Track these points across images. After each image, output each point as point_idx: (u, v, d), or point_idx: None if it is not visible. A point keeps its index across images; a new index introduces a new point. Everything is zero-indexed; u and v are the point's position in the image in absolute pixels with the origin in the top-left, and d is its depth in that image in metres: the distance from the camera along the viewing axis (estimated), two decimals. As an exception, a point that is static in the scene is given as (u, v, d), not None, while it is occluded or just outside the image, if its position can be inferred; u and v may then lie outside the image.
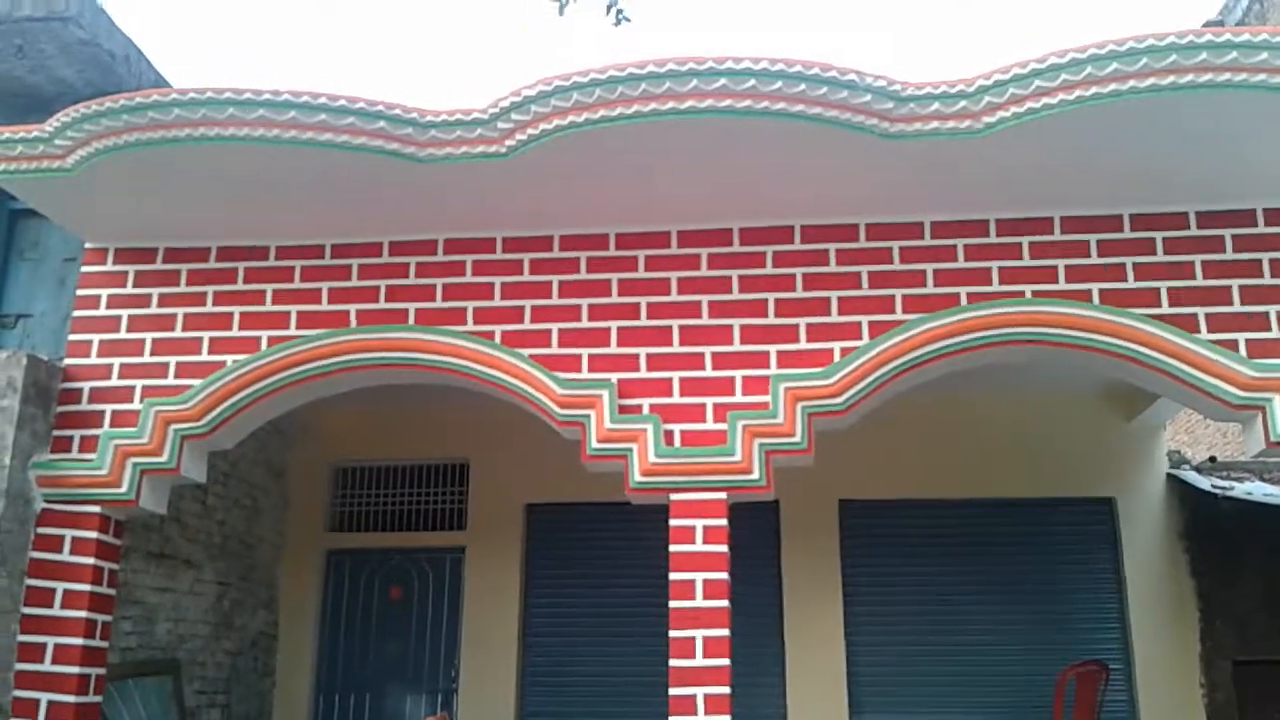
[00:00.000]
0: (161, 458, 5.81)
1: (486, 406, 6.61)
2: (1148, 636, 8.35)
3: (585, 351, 5.84)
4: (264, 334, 6.01)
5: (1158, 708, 8.21)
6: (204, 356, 6.00)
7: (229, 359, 5.96)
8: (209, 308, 6.11)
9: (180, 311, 6.12)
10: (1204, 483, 8.41)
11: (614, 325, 5.88)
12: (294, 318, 6.04)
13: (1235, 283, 5.59)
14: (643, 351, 5.83)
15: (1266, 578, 8.38)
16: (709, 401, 5.70)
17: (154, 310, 6.14)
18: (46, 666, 5.55)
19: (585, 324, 5.90)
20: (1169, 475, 8.77)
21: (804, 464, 5.66)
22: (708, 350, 5.79)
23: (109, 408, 5.95)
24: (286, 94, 5.21)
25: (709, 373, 5.75)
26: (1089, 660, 7.83)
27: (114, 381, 6.00)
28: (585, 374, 5.79)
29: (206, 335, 6.04)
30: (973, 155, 5.22)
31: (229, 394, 5.90)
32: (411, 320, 5.97)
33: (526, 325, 5.91)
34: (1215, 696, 8.21)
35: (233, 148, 5.29)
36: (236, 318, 6.07)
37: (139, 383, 5.98)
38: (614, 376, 5.75)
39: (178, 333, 6.07)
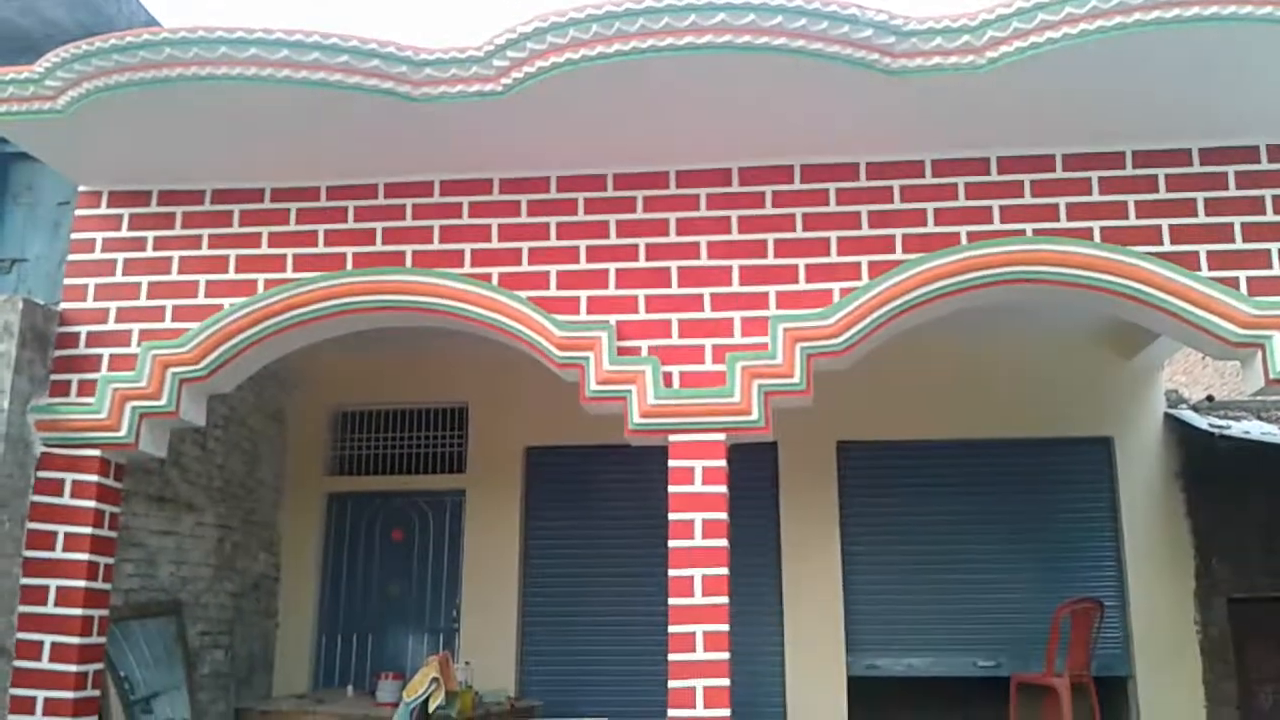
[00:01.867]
0: (160, 401, 5.80)
1: (485, 349, 6.61)
2: (1143, 574, 8.43)
3: (584, 293, 5.81)
4: (260, 277, 5.97)
5: (1152, 645, 8.31)
6: (200, 300, 5.96)
7: (226, 302, 5.93)
8: (205, 250, 6.06)
9: (176, 255, 6.07)
10: (1201, 422, 8.44)
11: (612, 267, 5.84)
12: (290, 260, 6.00)
13: (1237, 220, 5.54)
14: (641, 293, 5.79)
15: (1262, 516, 8.44)
16: (708, 343, 5.68)
17: (149, 253, 6.09)
18: (50, 609, 5.57)
19: (583, 265, 5.85)
20: (1167, 415, 8.80)
21: (803, 405, 5.66)
22: (706, 291, 5.76)
23: (106, 351, 5.92)
24: (279, 32, 5.11)
25: (708, 314, 5.73)
26: (1085, 597, 7.90)
27: (111, 325, 5.97)
28: (584, 316, 5.76)
29: (203, 278, 6.00)
30: (974, 91, 5.15)
31: (226, 337, 5.88)
32: (409, 263, 5.93)
33: (524, 267, 5.87)
34: (1210, 633, 8.31)
35: (226, 87, 5.20)
36: (233, 260, 6.03)
37: (136, 326, 5.96)
38: (612, 318, 5.73)
39: (174, 276, 6.03)
